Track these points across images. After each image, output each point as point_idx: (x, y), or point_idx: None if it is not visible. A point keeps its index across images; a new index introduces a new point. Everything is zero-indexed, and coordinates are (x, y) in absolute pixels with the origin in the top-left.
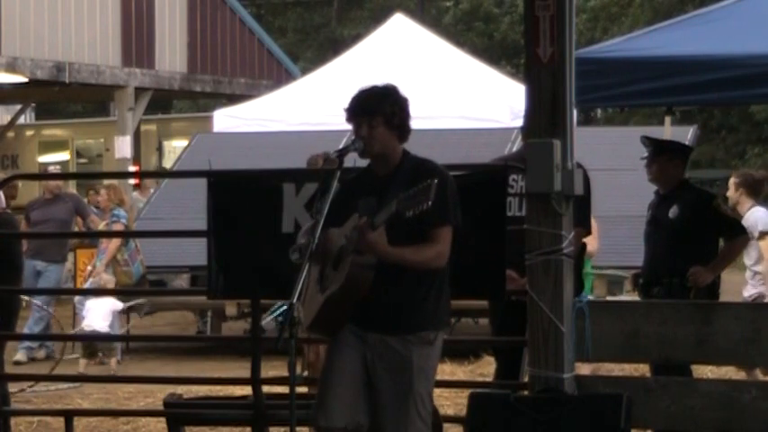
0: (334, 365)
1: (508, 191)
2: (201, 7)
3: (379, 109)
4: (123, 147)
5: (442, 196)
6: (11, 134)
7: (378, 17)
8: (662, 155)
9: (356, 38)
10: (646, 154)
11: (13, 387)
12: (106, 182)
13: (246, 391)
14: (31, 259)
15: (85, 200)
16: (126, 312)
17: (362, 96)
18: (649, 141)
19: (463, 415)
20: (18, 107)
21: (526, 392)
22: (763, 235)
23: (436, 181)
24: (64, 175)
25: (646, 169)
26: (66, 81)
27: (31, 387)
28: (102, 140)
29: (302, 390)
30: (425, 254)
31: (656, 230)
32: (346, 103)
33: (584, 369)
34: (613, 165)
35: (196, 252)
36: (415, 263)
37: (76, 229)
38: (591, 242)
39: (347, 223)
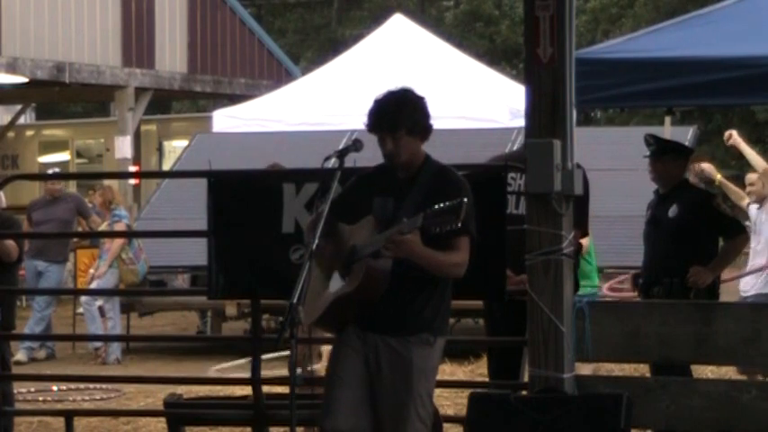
0: (339, 369)
1: (507, 189)
2: (201, 7)
3: (402, 122)
4: (123, 147)
5: (468, 210)
6: (11, 134)
7: (378, 17)
8: (667, 153)
9: (356, 38)
10: (647, 153)
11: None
12: (105, 183)
13: (246, 391)
14: (33, 259)
15: (86, 200)
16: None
17: (382, 109)
18: (653, 140)
19: (463, 415)
20: (18, 107)
21: (526, 392)
22: None
23: (465, 200)
24: (64, 176)
25: (650, 167)
26: (67, 81)
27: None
28: (102, 141)
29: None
30: (453, 259)
31: (655, 230)
32: (366, 117)
33: (585, 369)
34: (613, 165)
35: (196, 252)
36: (443, 266)
37: (79, 229)
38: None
39: (360, 223)
